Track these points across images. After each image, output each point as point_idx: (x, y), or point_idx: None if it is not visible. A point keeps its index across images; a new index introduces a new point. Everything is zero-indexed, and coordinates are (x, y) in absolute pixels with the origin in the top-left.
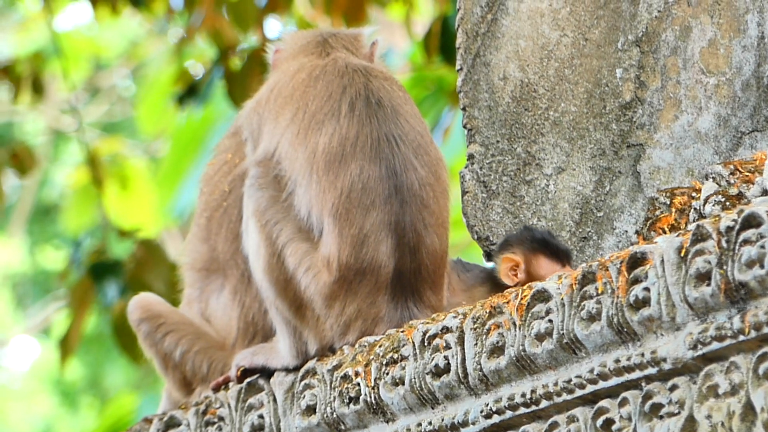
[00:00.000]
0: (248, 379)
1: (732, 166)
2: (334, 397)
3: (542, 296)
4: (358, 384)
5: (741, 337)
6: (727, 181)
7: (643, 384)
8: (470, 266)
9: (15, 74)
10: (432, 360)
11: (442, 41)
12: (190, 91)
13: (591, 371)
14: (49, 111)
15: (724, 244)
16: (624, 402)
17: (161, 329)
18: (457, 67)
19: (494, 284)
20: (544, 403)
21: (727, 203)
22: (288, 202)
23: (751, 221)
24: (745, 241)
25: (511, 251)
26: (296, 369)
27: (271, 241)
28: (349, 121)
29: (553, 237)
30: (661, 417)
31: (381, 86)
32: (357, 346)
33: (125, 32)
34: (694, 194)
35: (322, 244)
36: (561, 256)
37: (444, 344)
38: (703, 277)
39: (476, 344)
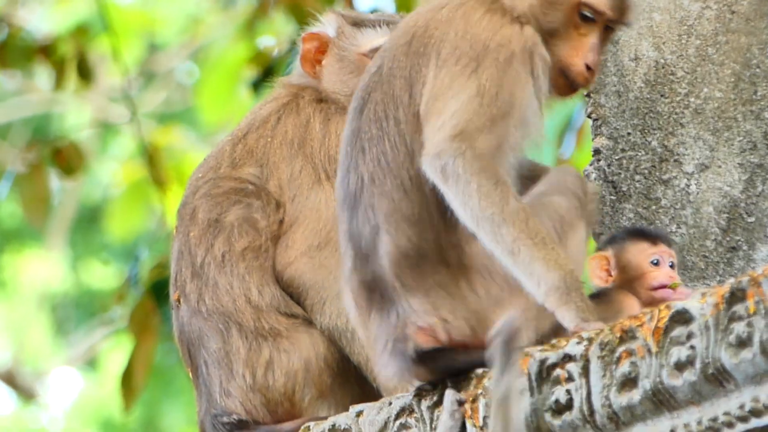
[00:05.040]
0: None
1: None
2: None
3: (682, 318)
4: (464, 423)
5: None
6: None
7: None
8: None
9: (57, 55)
10: (552, 394)
11: None
12: (266, 74)
13: (741, 407)
14: (96, 99)
15: None
16: None
17: None
18: None
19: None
20: None
21: None
22: None
23: None
24: None
25: (600, 251)
26: (389, 404)
27: None
28: None
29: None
30: None
31: None
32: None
33: (184, 6)
34: None
35: None
36: (651, 236)
37: (566, 376)
38: None
39: (604, 375)
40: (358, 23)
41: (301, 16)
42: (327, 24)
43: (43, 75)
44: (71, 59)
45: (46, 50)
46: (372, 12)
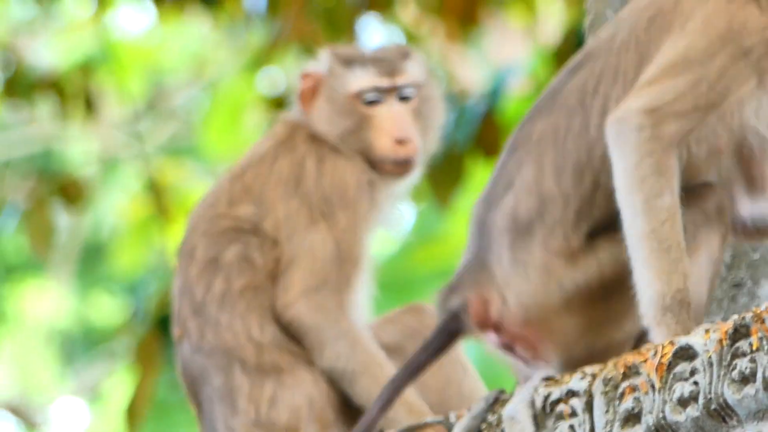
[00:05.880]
0: None
1: None
2: None
3: (686, 354)
4: None
5: None
6: None
7: None
8: None
9: (62, 89)
10: (555, 430)
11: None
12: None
13: None
14: (102, 133)
15: None
16: None
17: None
18: None
19: None
20: None
21: None
22: None
23: None
24: None
25: None
26: None
27: None
28: None
29: None
30: None
31: None
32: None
33: (190, 41)
34: None
35: None
36: None
37: (569, 411)
38: None
39: (607, 411)
40: (348, 61)
41: (312, 52)
42: (322, 62)
43: (47, 108)
44: (77, 93)
45: (52, 84)
46: (377, 48)
